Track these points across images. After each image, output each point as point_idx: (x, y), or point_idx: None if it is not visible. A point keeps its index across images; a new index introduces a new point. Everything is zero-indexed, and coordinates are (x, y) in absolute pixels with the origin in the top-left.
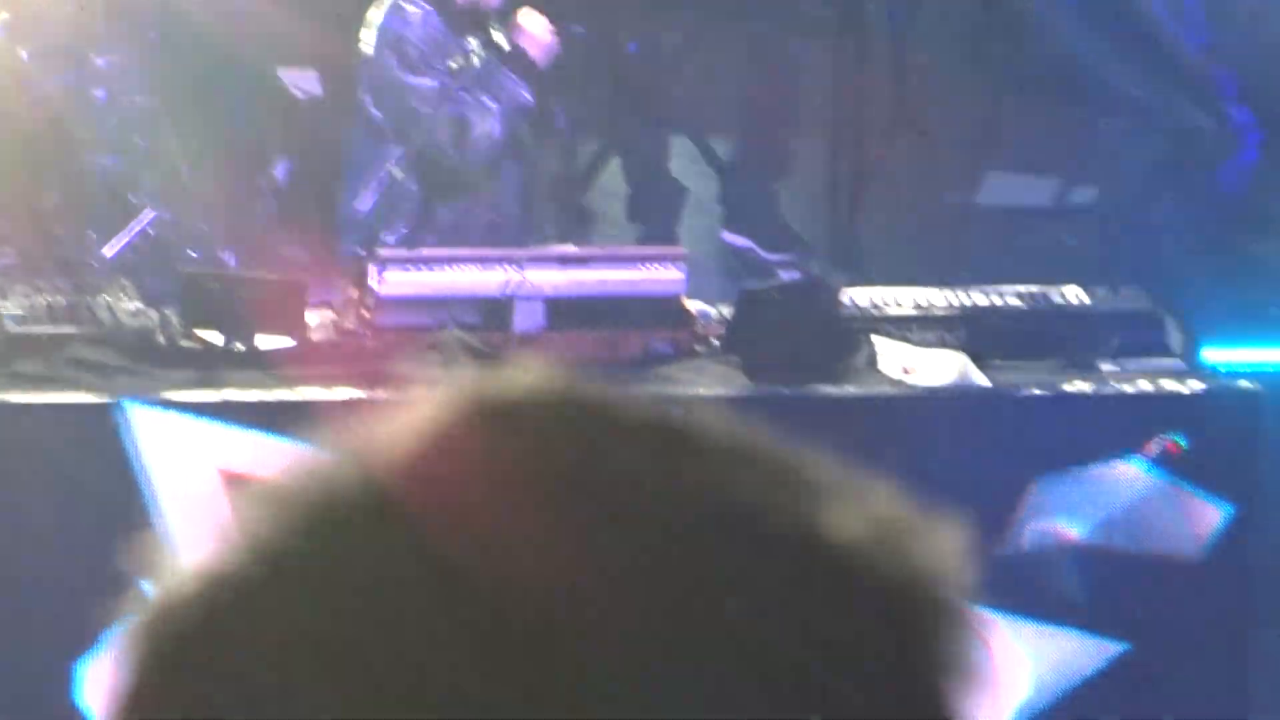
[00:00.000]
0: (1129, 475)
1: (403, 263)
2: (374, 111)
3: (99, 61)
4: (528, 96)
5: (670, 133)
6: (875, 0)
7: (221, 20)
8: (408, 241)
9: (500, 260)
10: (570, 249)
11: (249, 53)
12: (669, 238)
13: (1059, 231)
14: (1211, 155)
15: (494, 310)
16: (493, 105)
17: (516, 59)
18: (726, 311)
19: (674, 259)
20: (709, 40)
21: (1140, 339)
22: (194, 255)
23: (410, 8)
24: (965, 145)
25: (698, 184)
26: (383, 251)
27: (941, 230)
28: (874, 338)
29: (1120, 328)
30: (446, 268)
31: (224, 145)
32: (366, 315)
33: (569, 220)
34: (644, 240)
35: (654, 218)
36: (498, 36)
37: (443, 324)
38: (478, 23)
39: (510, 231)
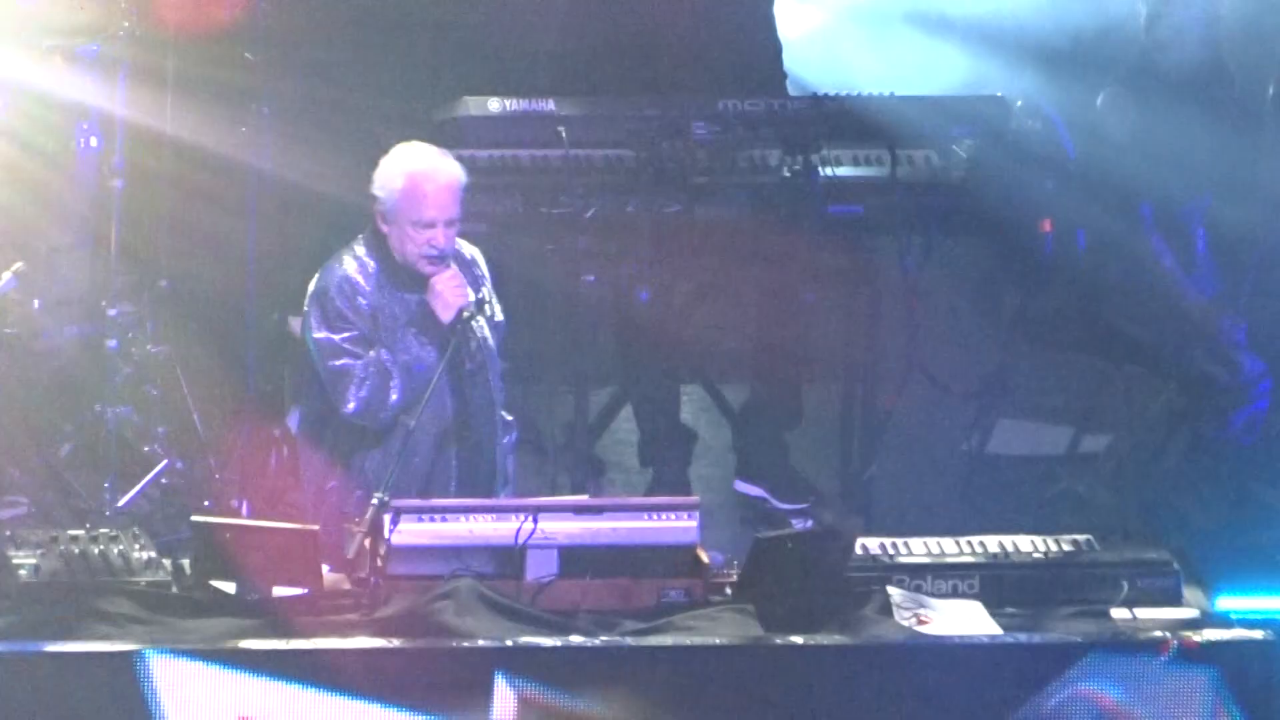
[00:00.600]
0: None
1: (416, 512)
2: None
3: (111, 311)
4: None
5: (682, 380)
6: (887, 248)
7: (233, 269)
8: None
9: (514, 510)
10: (584, 498)
11: (259, 302)
12: (680, 485)
13: (1071, 479)
14: (1223, 404)
15: (507, 559)
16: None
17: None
18: (740, 560)
19: (687, 508)
20: (721, 288)
21: (1153, 587)
22: (207, 504)
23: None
24: (976, 393)
25: (710, 431)
26: (396, 501)
27: (954, 478)
28: (887, 587)
29: (1133, 576)
30: (460, 517)
31: (235, 394)
32: (380, 564)
33: (582, 469)
34: (655, 487)
35: (666, 465)
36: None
37: (456, 573)
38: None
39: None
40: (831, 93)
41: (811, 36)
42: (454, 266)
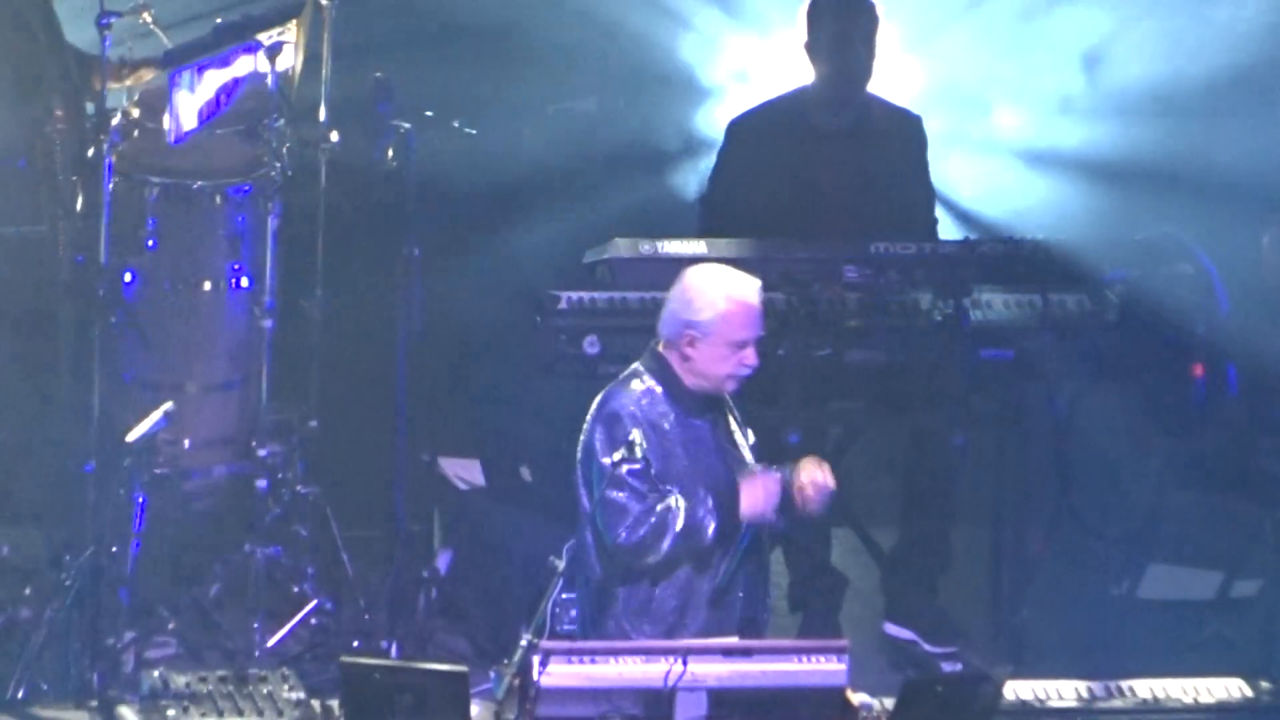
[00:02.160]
0: None
1: (566, 654)
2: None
3: (261, 451)
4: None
5: (832, 523)
6: (1038, 391)
7: (383, 409)
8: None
9: (664, 652)
10: (734, 641)
11: (409, 442)
12: (831, 629)
13: (1221, 624)
14: None
15: (656, 701)
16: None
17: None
18: (889, 704)
19: (836, 651)
20: (870, 431)
21: None
22: (356, 645)
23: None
24: (1127, 537)
25: (859, 575)
26: (545, 642)
27: (1104, 623)
28: None
29: None
30: (610, 659)
31: (385, 535)
32: (529, 707)
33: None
34: (805, 631)
35: (816, 608)
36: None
37: (605, 715)
38: None
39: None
40: (983, 236)
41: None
42: (775, 479)
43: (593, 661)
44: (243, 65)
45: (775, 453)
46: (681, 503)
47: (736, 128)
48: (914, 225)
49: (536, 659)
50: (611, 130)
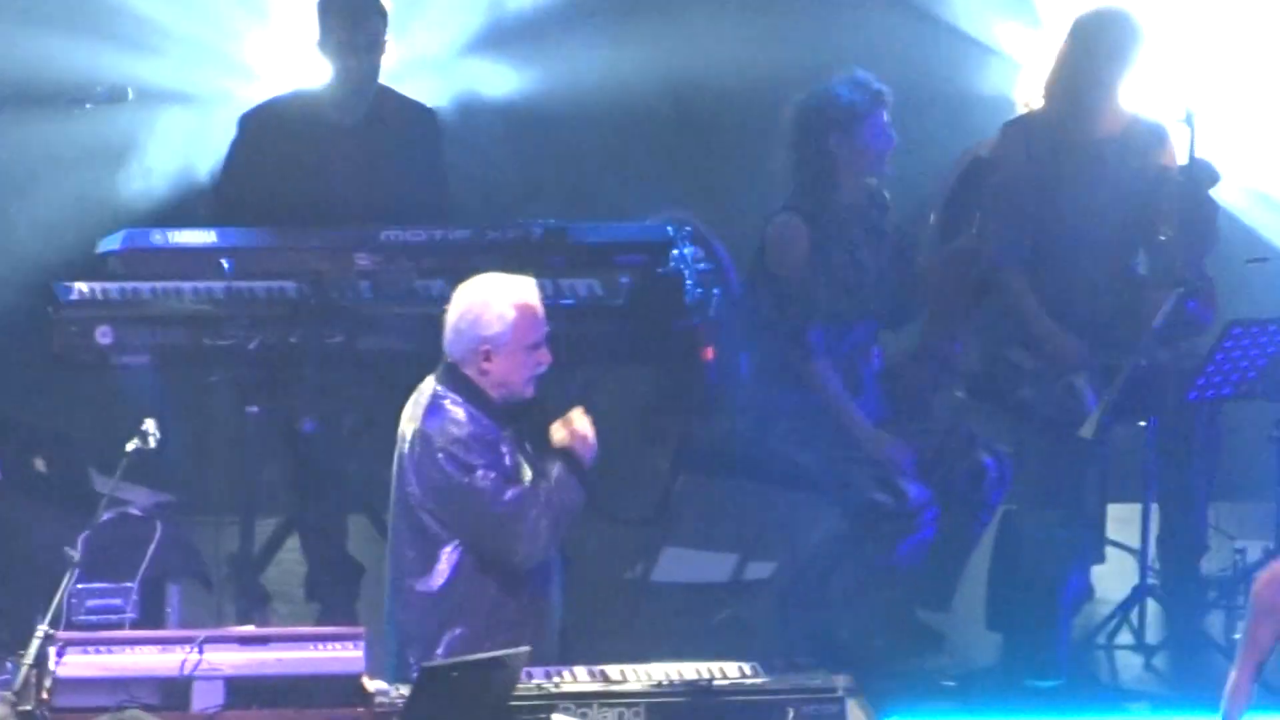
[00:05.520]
0: None
1: (82, 644)
2: None
3: None
4: None
5: (349, 511)
6: (550, 375)
7: None
8: None
9: (180, 641)
10: (249, 629)
11: None
12: (349, 616)
13: (737, 607)
14: (889, 531)
15: (173, 690)
16: None
17: None
18: (406, 690)
19: (353, 638)
20: (386, 419)
21: (819, 714)
22: None
23: None
24: (641, 521)
25: (377, 563)
26: (60, 633)
27: (620, 606)
28: (553, 715)
29: (798, 703)
30: (126, 649)
31: None
32: (46, 697)
33: (248, 600)
34: (324, 618)
35: (333, 596)
36: None
37: (122, 704)
38: None
39: None
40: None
41: None
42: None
43: (109, 651)
44: None
45: (293, 440)
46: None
47: (248, 120)
48: (427, 214)
49: (53, 650)
50: (111, 123)
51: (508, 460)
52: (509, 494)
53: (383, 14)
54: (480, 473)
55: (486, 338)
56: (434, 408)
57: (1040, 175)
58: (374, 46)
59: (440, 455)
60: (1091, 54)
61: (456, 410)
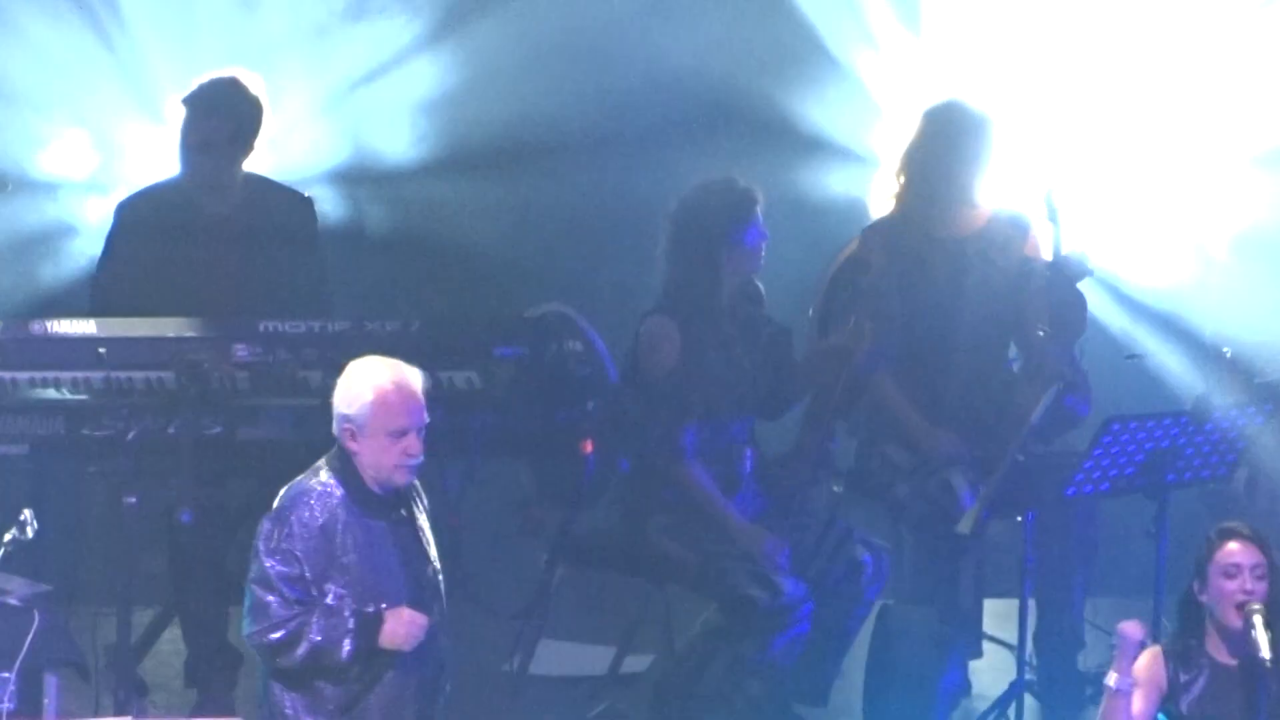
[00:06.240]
0: None
1: None
2: None
3: None
4: None
5: (230, 601)
6: (429, 470)
7: None
8: None
9: None
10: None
11: None
12: (227, 705)
13: (613, 699)
14: (764, 626)
15: None
16: None
17: None
18: None
19: None
20: (264, 508)
21: None
22: None
23: None
24: (519, 613)
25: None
26: None
27: (497, 699)
28: None
29: None
30: None
31: None
32: None
33: (126, 690)
34: (201, 708)
35: (212, 685)
36: None
37: None
38: None
39: None
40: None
41: None
42: (421, 619)
43: None
44: None
45: (172, 530)
46: (318, 620)
47: (125, 209)
48: (303, 302)
49: None
50: None
51: (345, 553)
52: (271, 598)
53: (232, 112)
54: (269, 561)
55: (349, 417)
56: (310, 471)
57: (903, 276)
58: (211, 145)
59: (267, 515)
60: (942, 153)
61: (315, 482)
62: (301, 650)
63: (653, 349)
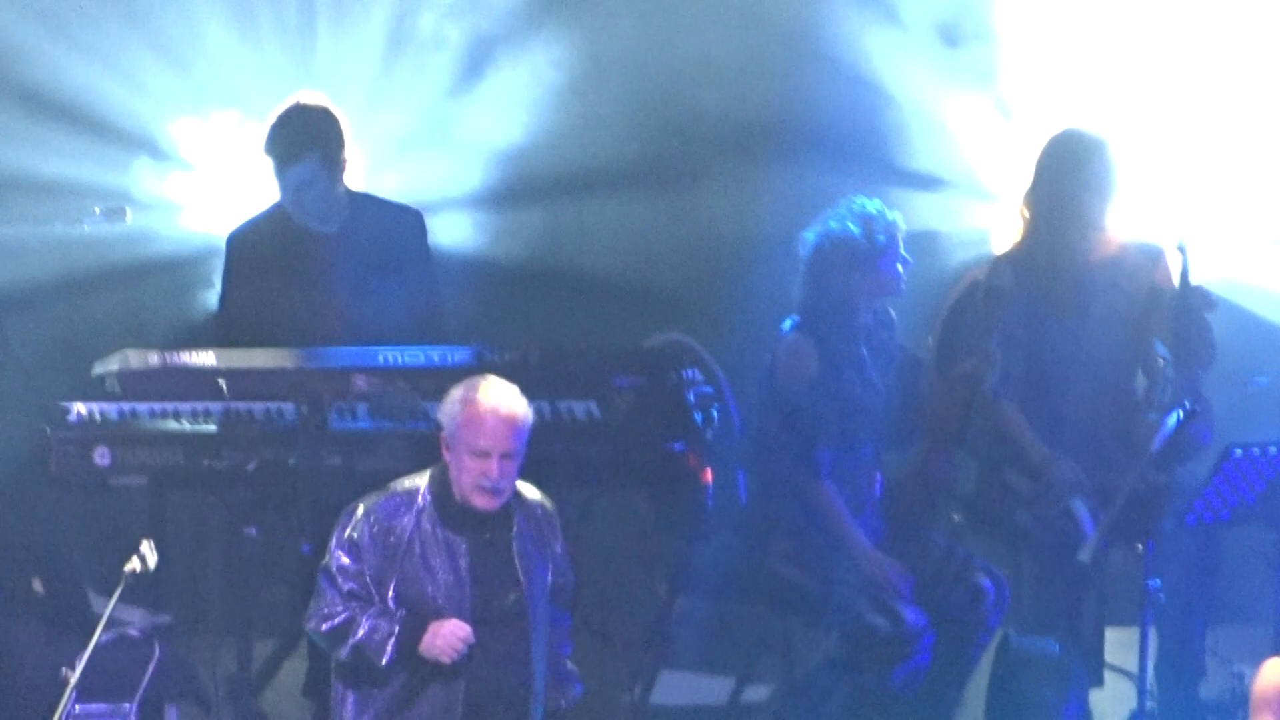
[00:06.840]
0: None
1: None
2: None
3: None
4: None
5: None
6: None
7: None
8: None
9: None
10: None
11: None
12: None
13: None
14: (885, 656)
15: None
16: None
17: None
18: None
19: None
20: None
21: None
22: None
23: None
24: (639, 643)
25: None
26: None
27: None
28: None
29: None
30: None
31: None
32: None
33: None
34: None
35: (327, 698)
36: None
37: None
38: None
39: None
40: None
41: None
42: (463, 633)
43: None
44: None
45: (291, 563)
46: (368, 619)
47: (236, 240)
48: (417, 316)
49: None
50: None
51: (410, 558)
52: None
53: (314, 143)
54: (338, 552)
55: (444, 425)
56: (390, 489)
57: (1031, 303)
58: (306, 184)
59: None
60: (1066, 180)
61: (408, 483)
62: (347, 646)
63: (791, 366)
